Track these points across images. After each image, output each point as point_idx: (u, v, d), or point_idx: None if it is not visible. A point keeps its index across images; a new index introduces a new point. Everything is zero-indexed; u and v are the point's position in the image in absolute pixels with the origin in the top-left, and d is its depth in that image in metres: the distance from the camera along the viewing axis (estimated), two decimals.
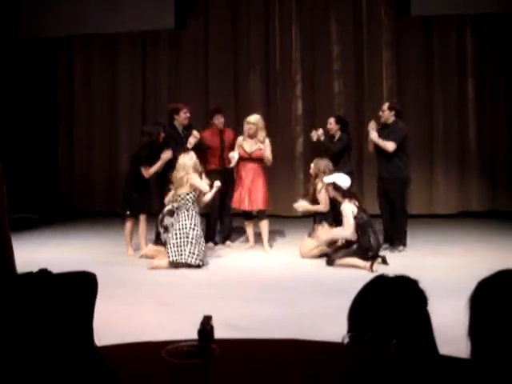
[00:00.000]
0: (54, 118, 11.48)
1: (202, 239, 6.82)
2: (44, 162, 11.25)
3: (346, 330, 1.59)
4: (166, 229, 6.91)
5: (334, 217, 7.27)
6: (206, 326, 2.09)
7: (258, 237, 7.77)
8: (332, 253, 6.78)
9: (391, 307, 1.55)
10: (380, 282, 1.62)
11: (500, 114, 10.26)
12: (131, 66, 11.20)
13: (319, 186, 7.31)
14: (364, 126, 7.97)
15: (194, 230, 6.66)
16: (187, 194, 6.76)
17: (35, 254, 7.01)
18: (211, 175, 7.31)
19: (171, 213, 6.89)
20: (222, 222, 8.08)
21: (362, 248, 6.59)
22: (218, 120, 7.93)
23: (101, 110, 11.34)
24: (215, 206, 7.71)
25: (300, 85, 10.63)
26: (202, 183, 6.87)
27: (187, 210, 6.72)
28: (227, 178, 7.76)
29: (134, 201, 7.27)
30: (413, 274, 1.65)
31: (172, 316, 4.72)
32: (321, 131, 7.75)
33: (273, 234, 8.41)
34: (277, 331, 4.13)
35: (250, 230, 7.78)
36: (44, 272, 1.58)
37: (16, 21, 10.84)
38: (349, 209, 6.68)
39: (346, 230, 6.70)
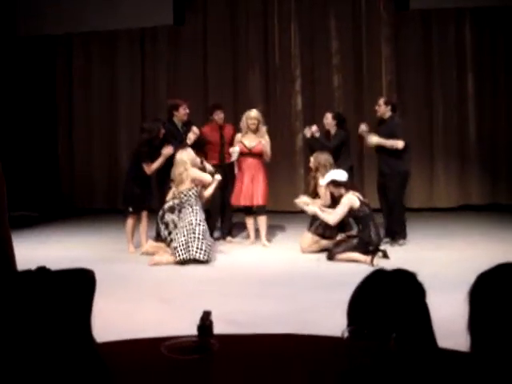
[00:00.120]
0: (54, 115, 11.47)
1: (208, 234, 6.82)
2: (44, 160, 11.25)
3: (346, 325, 1.59)
4: (167, 225, 6.90)
5: None
6: (206, 321, 2.09)
7: (258, 232, 7.77)
8: (332, 247, 6.76)
9: (390, 300, 1.55)
10: (378, 275, 1.62)
11: (500, 107, 10.24)
12: (130, 63, 11.21)
13: (320, 180, 7.27)
14: (364, 121, 7.93)
15: (200, 225, 6.64)
16: (189, 190, 6.75)
17: (35, 251, 7.00)
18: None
19: (172, 209, 6.88)
20: (222, 219, 8.08)
21: (363, 242, 6.57)
22: (218, 116, 7.92)
23: (100, 107, 11.35)
24: (216, 201, 7.71)
25: (299, 80, 10.62)
26: (204, 174, 6.87)
27: (191, 207, 6.70)
28: (227, 173, 7.76)
29: (136, 197, 7.25)
30: (413, 268, 1.65)
31: (173, 313, 4.71)
32: (315, 128, 7.68)
33: (273, 229, 8.40)
34: (277, 326, 4.11)
35: (250, 226, 7.77)
36: (42, 269, 1.58)
37: (14, 19, 10.84)
38: (348, 200, 6.64)
39: (332, 217, 6.68)
